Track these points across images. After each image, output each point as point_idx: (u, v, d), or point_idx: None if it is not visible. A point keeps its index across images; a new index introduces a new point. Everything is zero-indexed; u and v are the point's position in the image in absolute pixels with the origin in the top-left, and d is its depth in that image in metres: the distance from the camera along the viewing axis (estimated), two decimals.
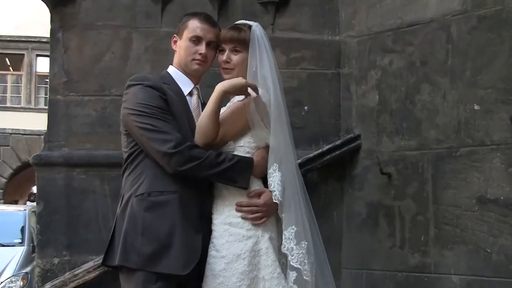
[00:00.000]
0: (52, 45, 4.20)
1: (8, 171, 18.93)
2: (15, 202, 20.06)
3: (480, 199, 3.55)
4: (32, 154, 4.34)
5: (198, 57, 2.82)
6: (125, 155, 2.78)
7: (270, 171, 2.72)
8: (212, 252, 2.66)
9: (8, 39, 19.91)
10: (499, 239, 3.47)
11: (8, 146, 18.85)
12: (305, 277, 2.64)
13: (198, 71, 2.86)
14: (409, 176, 3.83)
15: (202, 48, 2.82)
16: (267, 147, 2.76)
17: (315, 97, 4.23)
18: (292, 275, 2.65)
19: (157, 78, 2.84)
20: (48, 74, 4.35)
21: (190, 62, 2.84)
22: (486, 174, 3.54)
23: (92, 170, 4.07)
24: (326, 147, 4.06)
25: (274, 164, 2.71)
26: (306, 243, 2.67)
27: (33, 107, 20.08)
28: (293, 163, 2.81)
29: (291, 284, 2.64)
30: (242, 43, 2.81)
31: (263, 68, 2.79)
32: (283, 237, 2.67)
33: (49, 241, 4.03)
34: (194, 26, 2.83)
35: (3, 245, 8.41)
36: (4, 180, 18.93)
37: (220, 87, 2.71)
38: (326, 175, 4.12)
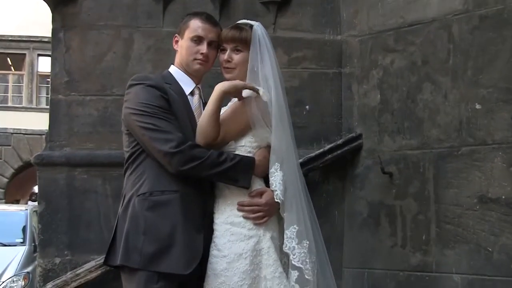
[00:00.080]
0: (54, 45, 4.20)
1: (10, 171, 18.93)
2: (17, 202, 20.10)
3: (482, 198, 3.55)
4: (34, 154, 4.35)
5: (200, 56, 2.82)
6: (126, 155, 2.78)
7: (271, 170, 2.72)
8: (213, 251, 2.67)
9: (10, 38, 19.91)
10: (500, 238, 3.47)
11: (10, 145, 18.85)
12: (306, 276, 2.65)
13: (199, 71, 2.87)
14: (410, 176, 3.83)
15: (203, 48, 2.82)
16: (268, 147, 2.77)
17: (316, 97, 4.23)
18: (294, 274, 2.65)
19: (158, 78, 2.84)
20: (49, 73, 4.35)
21: (191, 62, 2.84)
22: (488, 173, 3.53)
23: (93, 170, 4.07)
24: (327, 147, 4.06)
25: (276, 163, 2.72)
26: (307, 242, 2.68)
27: (35, 106, 20.07)
28: (294, 162, 2.81)
29: (292, 283, 2.65)
30: (244, 43, 2.81)
31: (264, 68, 2.79)
32: (285, 236, 2.68)
33: (50, 240, 4.03)
34: (195, 26, 2.84)
35: (5, 245, 8.41)
36: (5, 180, 18.93)
37: (219, 87, 2.72)
38: (328, 174, 4.12)
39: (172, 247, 2.60)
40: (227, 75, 2.83)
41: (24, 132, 18.83)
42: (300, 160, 3.40)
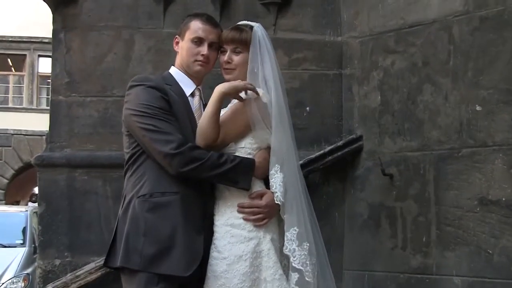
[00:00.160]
0: (54, 45, 4.20)
1: (10, 172, 18.94)
2: (17, 203, 20.10)
3: (482, 200, 3.54)
4: (34, 155, 4.34)
5: (200, 58, 2.82)
6: (127, 156, 2.78)
7: (271, 172, 2.72)
8: (213, 253, 2.66)
9: (10, 39, 19.92)
10: (500, 240, 3.47)
11: (10, 146, 18.86)
12: (307, 279, 2.64)
13: (200, 72, 2.87)
14: (410, 177, 3.83)
15: (204, 49, 2.82)
16: (268, 148, 2.76)
17: (317, 98, 4.22)
18: (294, 276, 2.65)
19: (159, 79, 2.84)
20: (50, 74, 4.34)
21: (192, 63, 2.84)
22: (488, 175, 3.53)
23: (94, 171, 4.07)
24: (328, 148, 4.06)
25: (276, 165, 2.71)
26: (308, 244, 2.67)
27: (35, 107, 20.07)
28: (295, 164, 2.81)
29: (293, 285, 2.65)
30: (244, 44, 2.81)
31: (264, 69, 2.79)
32: (285, 238, 2.67)
33: (50, 242, 4.03)
34: (196, 27, 2.83)
35: (5, 246, 8.42)
36: (5, 181, 18.94)
37: (219, 88, 2.71)
38: (328, 176, 4.12)
39: (173, 248, 2.59)
40: (227, 76, 2.83)
41: (24, 133, 18.84)
42: (301, 162, 3.39)
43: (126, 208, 2.69)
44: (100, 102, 4.13)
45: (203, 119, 2.70)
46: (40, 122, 16.29)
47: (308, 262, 2.65)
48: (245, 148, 2.76)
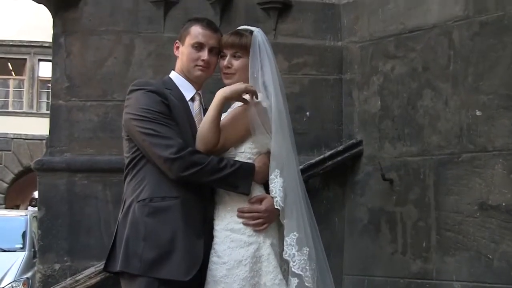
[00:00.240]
0: (54, 50, 4.21)
1: (10, 176, 18.92)
2: (17, 207, 20.08)
3: (482, 205, 3.54)
4: (34, 159, 4.34)
5: (201, 63, 2.82)
6: (126, 161, 2.78)
7: (271, 177, 2.71)
8: (213, 258, 2.66)
9: (11, 43, 19.92)
10: (500, 245, 3.47)
11: (10, 151, 18.85)
12: (306, 284, 2.64)
13: (200, 77, 2.87)
14: (410, 182, 3.83)
15: (204, 54, 2.82)
16: (268, 153, 2.76)
17: (317, 103, 4.23)
18: (294, 281, 2.64)
19: (159, 83, 2.84)
20: (50, 79, 4.35)
21: (192, 68, 2.84)
22: (488, 180, 3.53)
23: (94, 176, 4.07)
24: (328, 153, 4.06)
25: (276, 170, 2.71)
26: (307, 249, 2.66)
27: (35, 112, 20.06)
28: (295, 169, 2.81)
29: None
30: (243, 49, 2.81)
31: (264, 74, 2.79)
32: (285, 243, 2.67)
33: (50, 246, 4.02)
34: (196, 32, 2.84)
35: (4, 250, 8.42)
36: (5, 185, 18.92)
37: (220, 93, 2.71)
38: (328, 181, 4.12)
39: (173, 253, 2.59)
40: (226, 81, 2.83)
41: (24, 137, 18.82)
42: (301, 167, 3.39)
43: (126, 212, 2.68)
44: (100, 107, 4.14)
45: (204, 124, 2.70)
46: (40, 127, 16.26)
47: (307, 267, 2.64)
48: (245, 153, 2.76)
